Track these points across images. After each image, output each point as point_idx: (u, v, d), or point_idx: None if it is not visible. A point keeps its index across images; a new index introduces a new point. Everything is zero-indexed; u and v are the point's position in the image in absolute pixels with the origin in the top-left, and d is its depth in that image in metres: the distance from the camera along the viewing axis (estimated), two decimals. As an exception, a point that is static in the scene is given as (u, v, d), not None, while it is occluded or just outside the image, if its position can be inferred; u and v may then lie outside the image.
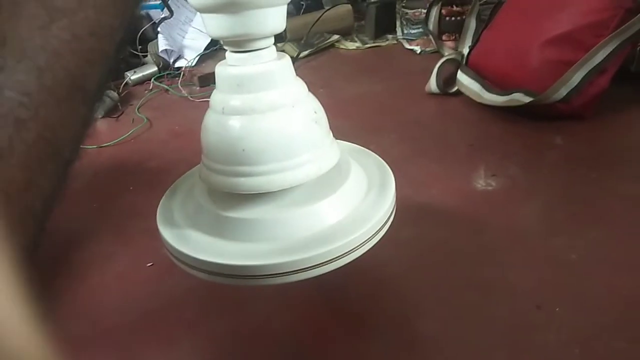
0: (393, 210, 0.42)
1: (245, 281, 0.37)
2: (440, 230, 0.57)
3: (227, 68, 0.38)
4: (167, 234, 0.40)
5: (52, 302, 0.49)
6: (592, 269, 0.50)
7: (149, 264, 0.53)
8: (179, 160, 0.75)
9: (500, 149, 0.73)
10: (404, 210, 0.59)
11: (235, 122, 0.38)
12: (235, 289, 0.50)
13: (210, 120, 0.39)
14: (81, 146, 0.22)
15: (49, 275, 0.52)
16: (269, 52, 0.38)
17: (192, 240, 0.39)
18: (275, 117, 0.38)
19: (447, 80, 0.94)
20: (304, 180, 0.39)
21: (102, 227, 0.59)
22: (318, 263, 0.37)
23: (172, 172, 0.71)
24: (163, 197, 0.44)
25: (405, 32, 1.25)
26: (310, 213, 0.39)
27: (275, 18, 0.37)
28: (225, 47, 0.39)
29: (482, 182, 0.65)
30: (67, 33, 0.19)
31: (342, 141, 0.43)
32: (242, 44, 0.37)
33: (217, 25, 0.36)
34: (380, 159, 0.47)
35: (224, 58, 0.40)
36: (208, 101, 1.04)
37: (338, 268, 0.37)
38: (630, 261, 0.51)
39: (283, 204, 0.39)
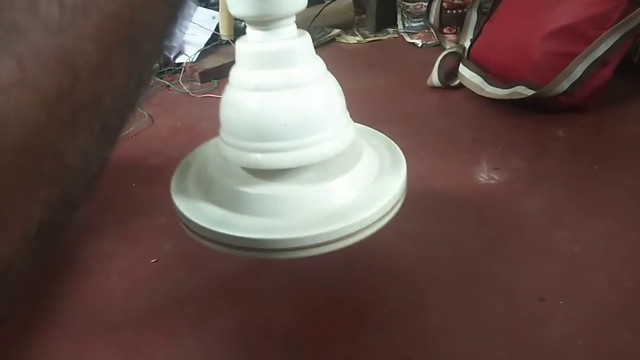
0: (404, 191, 0.43)
1: (256, 254, 0.37)
2: (444, 224, 0.56)
3: (250, 44, 0.38)
4: (181, 205, 0.40)
5: (56, 299, 0.49)
6: (595, 261, 0.50)
7: (153, 260, 0.53)
8: (181, 156, 0.75)
9: (502, 142, 0.73)
10: (406, 203, 0.59)
11: (259, 98, 0.38)
12: (238, 285, 0.50)
13: (232, 95, 0.40)
14: (164, 45, 0.21)
15: (52, 273, 0.52)
16: (291, 29, 0.39)
17: (205, 212, 0.39)
18: (300, 93, 0.38)
19: (449, 74, 0.93)
20: (322, 157, 0.39)
21: (105, 224, 0.59)
22: (330, 240, 0.37)
23: (175, 169, 0.72)
24: (176, 170, 0.45)
25: (407, 25, 1.25)
26: (323, 191, 0.40)
27: None
28: (247, 24, 0.39)
29: (484, 176, 0.65)
30: None
31: (355, 123, 0.44)
32: (265, 22, 0.38)
33: (241, 4, 0.37)
34: (391, 141, 0.47)
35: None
36: (210, 96, 1.03)
37: (349, 246, 0.38)
38: (633, 253, 0.51)
39: (297, 180, 0.40)
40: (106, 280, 0.51)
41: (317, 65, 0.40)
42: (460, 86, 0.91)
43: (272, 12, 0.37)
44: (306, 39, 0.39)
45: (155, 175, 0.71)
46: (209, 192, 0.41)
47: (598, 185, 0.61)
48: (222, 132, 0.41)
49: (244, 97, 0.39)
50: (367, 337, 0.44)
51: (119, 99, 0.19)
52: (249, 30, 0.39)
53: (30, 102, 0.15)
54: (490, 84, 0.83)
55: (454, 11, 1.14)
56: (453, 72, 0.93)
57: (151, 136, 0.84)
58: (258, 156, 0.39)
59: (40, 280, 0.52)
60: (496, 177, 0.64)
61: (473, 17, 1.07)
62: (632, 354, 0.41)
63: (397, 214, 0.42)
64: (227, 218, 0.39)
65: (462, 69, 0.90)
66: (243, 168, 0.41)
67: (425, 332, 0.44)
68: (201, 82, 1.05)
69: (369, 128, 0.49)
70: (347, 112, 0.42)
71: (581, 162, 0.66)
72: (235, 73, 0.40)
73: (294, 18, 0.39)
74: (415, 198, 0.61)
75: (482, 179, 0.64)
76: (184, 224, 0.41)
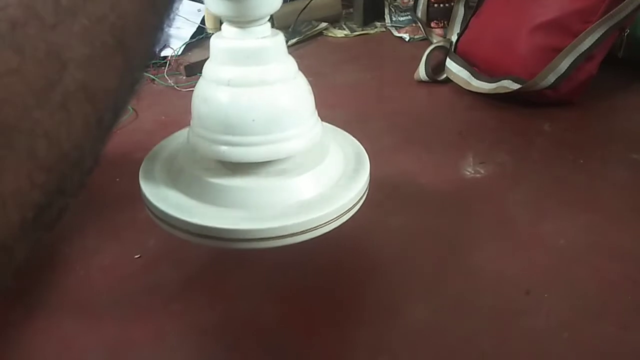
0: (366, 191, 0.44)
1: (218, 243, 0.38)
2: (429, 218, 0.56)
3: (225, 40, 0.40)
4: (148, 192, 0.42)
5: (37, 295, 0.48)
6: (580, 255, 0.50)
7: (137, 256, 0.52)
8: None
9: (488, 136, 0.73)
10: (392, 198, 0.59)
11: (230, 93, 0.39)
12: (223, 281, 0.50)
13: (204, 89, 0.41)
14: (154, 49, 0.22)
15: (34, 269, 0.51)
16: (265, 28, 0.40)
17: (172, 200, 0.40)
18: (271, 90, 0.40)
19: (436, 68, 0.93)
20: (289, 153, 0.41)
21: (88, 219, 0.58)
22: (288, 233, 0.38)
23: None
24: (145, 158, 0.46)
25: (394, 19, 1.24)
26: (288, 186, 0.41)
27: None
28: (224, 21, 0.40)
29: (470, 170, 0.65)
30: None
31: (323, 122, 0.45)
32: (241, 21, 0.39)
33: (218, 5, 0.38)
34: (356, 141, 0.49)
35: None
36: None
37: (307, 240, 0.39)
38: (618, 246, 0.51)
39: (263, 174, 0.41)
40: (89, 276, 0.50)
41: (288, 64, 0.42)
42: (447, 80, 0.91)
43: (247, 13, 0.38)
44: (279, 38, 0.41)
45: (138, 170, 0.70)
46: (177, 181, 0.42)
47: (583, 179, 0.62)
48: (193, 124, 0.42)
49: (216, 91, 0.40)
50: (351, 330, 0.44)
51: (113, 95, 0.20)
52: (224, 26, 0.40)
53: (19, 88, 0.16)
54: (477, 78, 0.84)
55: (441, 5, 1.14)
56: (440, 66, 0.93)
57: (136, 130, 0.83)
58: (226, 149, 0.40)
59: (21, 276, 0.51)
60: (482, 171, 0.64)
61: (460, 11, 1.07)
62: (616, 347, 0.41)
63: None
64: (194, 207, 0.40)
65: (449, 63, 0.90)
66: (211, 159, 0.42)
67: (410, 325, 0.44)
68: (186, 76, 1.04)
69: (337, 128, 0.51)
70: (316, 112, 0.44)
71: (566, 156, 0.67)
72: (208, 67, 0.41)
73: (268, 18, 0.40)
74: (402, 192, 0.61)
75: (468, 173, 0.64)
76: (150, 211, 0.42)
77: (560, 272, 0.48)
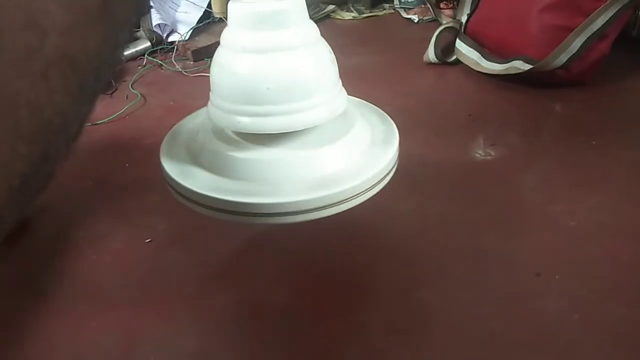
0: (395, 163, 0.42)
1: (241, 218, 0.37)
2: (440, 201, 0.56)
3: (243, 4, 0.38)
4: (170, 168, 0.40)
5: (51, 279, 0.49)
6: (591, 236, 0.50)
7: (148, 240, 0.52)
8: (171, 126, 0.74)
9: (499, 117, 0.72)
10: (402, 181, 0.58)
11: (248, 60, 0.37)
12: (235, 264, 0.50)
13: (222, 56, 0.39)
14: (139, 9, 0.21)
15: (46, 253, 0.52)
16: None
17: (194, 176, 0.39)
18: (289, 57, 0.37)
19: (446, 49, 0.92)
20: (310, 124, 0.39)
21: (98, 204, 0.59)
22: (317, 207, 0.37)
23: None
24: (166, 137, 0.45)
25: (403, 1, 1.23)
26: (312, 158, 0.39)
27: None
28: None
29: (481, 152, 0.64)
30: None
31: (350, 96, 0.44)
32: None
33: None
34: (385, 114, 0.47)
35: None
36: (203, 75, 1.02)
37: (335, 214, 0.38)
38: (629, 227, 0.51)
39: (286, 146, 0.40)
40: (101, 260, 0.51)
41: (309, 29, 0.39)
42: (457, 62, 0.89)
43: None
44: (300, 0, 0.38)
45: (148, 155, 0.70)
46: (199, 157, 0.41)
47: (595, 160, 0.61)
48: (212, 94, 0.41)
49: (232, 59, 0.38)
50: (364, 312, 0.44)
51: (95, 59, 0.20)
52: None
53: None
54: (487, 59, 0.82)
55: (451, -15, 1.12)
56: (449, 48, 0.92)
57: (144, 116, 0.83)
58: (242, 119, 0.38)
59: (34, 260, 0.51)
60: (492, 154, 0.64)
61: (470, -9, 1.05)
62: (627, 327, 0.41)
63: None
64: (215, 182, 0.39)
65: (459, 44, 0.89)
66: (233, 132, 0.40)
67: (422, 306, 0.44)
68: (194, 61, 1.03)
69: (364, 101, 0.49)
70: (340, 81, 0.42)
71: (578, 137, 0.66)
72: (226, 33, 0.39)
73: None
74: (412, 175, 0.60)
75: (478, 155, 0.64)
76: (172, 187, 0.41)
77: (572, 253, 0.48)
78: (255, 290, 0.47)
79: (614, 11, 0.73)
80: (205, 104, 0.83)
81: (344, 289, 0.47)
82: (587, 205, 0.54)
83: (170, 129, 0.75)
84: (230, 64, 0.38)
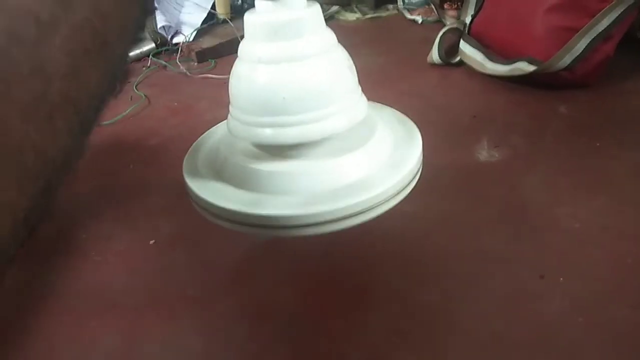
0: (421, 167, 0.42)
1: (268, 231, 0.37)
2: (444, 202, 0.56)
3: (260, 15, 0.38)
4: (193, 184, 0.40)
5: (54, 280, 0.49)
6: (595, 238, 0.50)
7: (152, 242, 0.53)
8: (178, 136, 0.75)
9: (503, 119, 0.72)
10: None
11: (265, 71, 0.37)
12: (238, 266, 0.50)
13: (239, 68, 0.39)
14: (135, 38, 0.21)
15: (50, 255, 0.52)
16: None
17: (217, 190, 0.39)
18: (305, 66, 0.37)
19: (450, 50, 0.92)
20: (329, 133, 0.38)
21: (103, 205, 0.59)
22: (344, 216, 0.36)
23: (172, 149, 0.71)
24: (187, 153, 0.45)
25: (406, 1, 1.23)
26: (337, 167, 0.39)
27: None
28: None
29: (485, 154, 0.64)
30: None
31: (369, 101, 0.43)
32: None
33: None
34: (405, 116, 0.46)
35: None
36: (207, 76, 1.02)
37: (361, 223, 0.37)
38: (633, 229, 0.50)
39: (310, 156, 0.39)
40: (105, 262, 0.51)
41: (326, 36, 0.39)
42: (461, 63, 0.89)
43: None
44: (315, 9, 0.38)
45: (152, 156, 0.70)
46: (221, 171, 0.41)
47: (598, 162, 0.61)
48: (231, 107, 0.41)
49: (248, 70, 0.38)
50: (366, 313, 0.44)
51: (96, 97, 0.20)
52: (257, 1, 0.38)
53: (5, 110, 0.16)
54: (491, 60, 0.82)
55: (455, -14, 1.12)
56: (454, 49, 0.91)
57: (148, 117, 0.84)
58: (261, 131, 0.38)
59: (38, 261, 0.52)
60: (497, 155, 0.64)
61: (474, -8, 1.05)
62: (632, 330, 0.41)
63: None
64: (239, 196, 0.38)
65: (463, 45, 0.88)
66: (253, 145, 0.40)
67: (425, 308, 0.44)
68: (198, 62, 1.04)
69: (384, 105, 0.48)
70: (359, 87, 0.41)
71: (582, 139, 0.66)
72: (243, 46, 0.39)
73: None
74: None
75: (482, 157, 0.63)
76: (196, 203, 0.40)
77: (575, 255, 0.48)
78: (259, 292, 0.47)
79: (620, 12, 0.72)
80: (208, 106, 0.84)
81: (346, 289, 0.47)
82: (591, 208, 0.53)
83: (174, 129, 0.75)
84: (247, 76, 0.38)
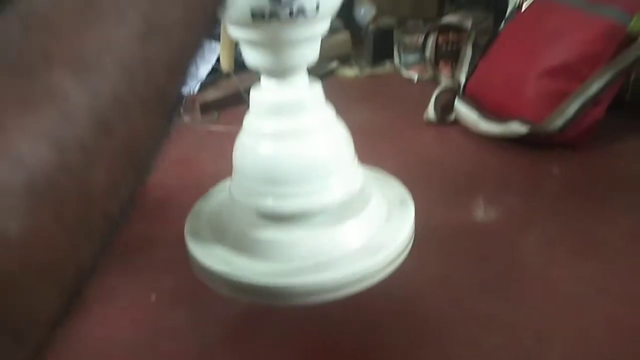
0: (413, 235, 0.44)
1: (266, 299, 0.39)
2: (442, 262, 0.57)
3: (265, 93, 0.40)
4: (195, 248, 0.42)
5: (53, 334, 0.49)
6: (591, 301, 0.51)
7: (153, 297, 0.53)
8: (182, 188, 0.76)
9: (498, 178, 0.74)
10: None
11: (269, 144, 0.40)
12: (238, 323, 0.50)
13: (244, 141, 0.42)
14: (156, 157, 0.23)
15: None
16: (303, 78, 0.41)
17: (217, 256, 0.41)
18: (307, 141, 0.40)
19: (445, 108, 0.95)
20: (329, 203, 0.41)
21: (105, 259, 0.60)
22: (340, 285, 0.39)
23: (176, 201, 0.72)
24: (190, 213, 0.47)
25: (403, 58, 1.27)
26: (334, 236, 0.41)
27: (312, 51, 0.39)
28: (262, 74, 0.41)
29: (481, 213, 0.66)
30: (162, 47, 0.20)
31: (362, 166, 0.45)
32: (280, 73, 0.39)
33: (257, 57, 0.39)
34: (398, 182, 0.49)
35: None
36: (211, 130, 1.03)
37: (358, 292, 0.39)
38: (629, 293, 0.51)
39: (307, 225, 0.41)
40: (105, 317, 0.51)
41: (326, 113, 0.42)
42: (457, 121, 0.92)
43: (285, 65, 0.39)
44: (317, 88, 0.41)
45: (155, 209, 0.71)
46: (222, 236, 0.43)
47: (592, 224, 0.62)
48: (234, 176, 0.43)
49: (253, 143, 0.41)
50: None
51: (126, 205, 0.22)
52: (263, 78, 0.41)
53: (54, 231, 0.18)
54: (485, 121, 0.85)
55: (449, 47, 1.16)
56: (449, 107, 0.94)
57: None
58: (264, 201, 0.40)
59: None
60: (493, 214, 0.65)
61: (468, 52, 1.10)
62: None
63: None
64: (237, 262, 0.40)
65: (458, 105, 0.91)
66: (254, 212, 0.42)
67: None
68: (202, 114, 1.06)
69: (379, 171, 0.51)
70: (356, 159, 0.44)
71: (575, 200, 0.67)
72: (248, 119, 0.42)
73: (305, 68, 0.41)
74: (414, 235, 0.61)
75: (479, 216, 0.65)
76: (196, 268, 0.42)
77: (572, 318, 0.49)
78: (258, 353, 0.47)
79: (608, 78, 0.76)
80: (210, 158, 0.85)
81: (345, 350, 0.47)
82: (586, 270, 0.55)
83: (178, 181, 0.76)
84: (252, 148, 0.41)
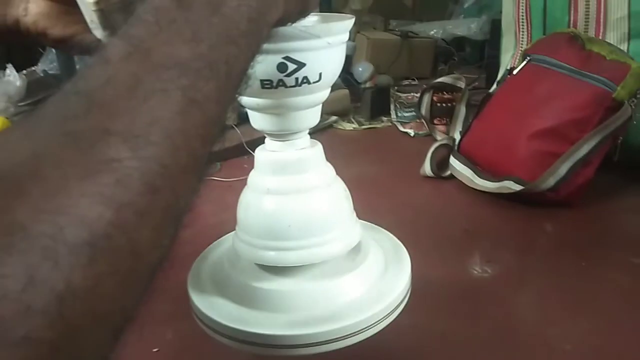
0: (409, 288, 0.45)
1: (267, 350, 0.39)
2: (438, 319, 0.58)
3: (268, 153, 0.43)
4: (197, 300, 0.43)
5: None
6: (586, 359, 0.52)
7: (155, 350, 0.53)
8: (184, 240, 0.77)
9: (493, 234, 0.76)
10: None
11: (271, 201, 0.42)
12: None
13: (248, 197, 0.44)
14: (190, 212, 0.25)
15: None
16: (305, 140, 0.43)
17: (218, 307, 0.42)
18: (308, 198, 0.42)
19: (441, 164, 0.98)
20: (328, 257, 0.43)
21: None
22: (339, 336, 0.39)
23: (178, 253, 0.73)
24: (193, 265, 0.48)
25: (399, 115, 1.31)
26: (333, 287, 0.43)
27: (313, 115, 0.42)
28: (266, 135, 0.43)
29: (478, 269, 0.67)
30: (200, 120, 0.23)
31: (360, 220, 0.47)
32: (284, 135, 0.42)
33: (263, 121, 0.42)
34: (394, 237, 0.51)
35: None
36: (213, 179, 1.05)
37: (357, 342, 0.40)
38: (623, 350, 0.52)
39: (307, 277, 0.43)
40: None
41: (326, 171, 0.44)
42: (452, 176, 0.95)
43: (289, 128, 0.42)
44: (317, 148, 0.44)
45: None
46: (224, 287, 0.44)
47: (586, 282, 0.64)
48: (238, 229, 0.45)
49: (257, 199, 0.43)
50: None
51: (164, 257, 0.23)
52: (267, 139, 0.43)
53: (104, 276, 0.19)
54: (480, 177, 0.88)
55: (444, 104, 1.21)
56: (445, 162, 0.97)
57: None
58: (266, 253, 0.42)
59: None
60: (489, 271, 0.67)
61: (462, 111, 1.14)
62: None
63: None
64: (239, 314, 0.41)
65: (453, 161, 0.94)
66: (256, 264, 0.44)
67: None
68: (205, 164, 1.09)
69: (375, 226, 0.53)
70: (354, 214, 0.46)
71: (569, 257, 0.69)
72: (252, 176, 0.44)
73: (307, 131, 0.43)
74: (411, 290, 0.63)
75: (475, 272, 0.66)
76: (198, 318, 0.43)
77: (568, 377, 0.50)
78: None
79: (597, 141, 0.79)
80: (212, 209, 0.87)
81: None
82: (581, 328, 0.56)
83: (181, 232, 0.77)
84: (255, 204, 0.43)
